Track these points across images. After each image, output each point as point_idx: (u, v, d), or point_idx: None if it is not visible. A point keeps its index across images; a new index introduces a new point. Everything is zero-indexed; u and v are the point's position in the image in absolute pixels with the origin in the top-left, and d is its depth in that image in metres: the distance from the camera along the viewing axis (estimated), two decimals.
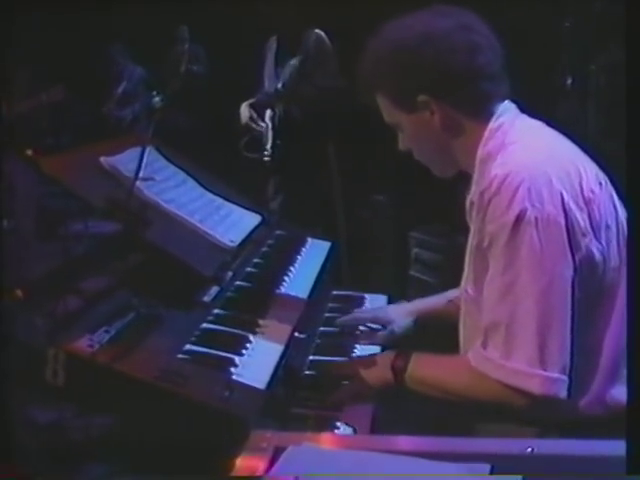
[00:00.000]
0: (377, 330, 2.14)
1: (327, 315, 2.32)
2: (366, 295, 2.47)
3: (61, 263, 1.69)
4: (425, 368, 1.76)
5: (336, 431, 1.71)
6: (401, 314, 2.16)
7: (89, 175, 1.95)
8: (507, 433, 1.64)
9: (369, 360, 1.87)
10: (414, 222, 3.56)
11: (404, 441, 1.23)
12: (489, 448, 1.20)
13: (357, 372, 1.83)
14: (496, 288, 1.62)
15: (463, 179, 1.79)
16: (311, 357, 2.07)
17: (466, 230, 1.78)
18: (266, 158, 2.57)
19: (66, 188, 1.85)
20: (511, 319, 1.59)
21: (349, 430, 1.73)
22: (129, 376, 1.53)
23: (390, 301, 2.44)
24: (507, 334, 1.60)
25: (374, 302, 2.44)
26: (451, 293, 2.10)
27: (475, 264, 1.71)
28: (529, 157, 1.65)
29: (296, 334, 2.00)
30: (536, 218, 1.58)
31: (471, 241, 1.75)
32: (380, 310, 2.25)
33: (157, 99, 2.89)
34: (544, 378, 1.58)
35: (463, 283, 1.82)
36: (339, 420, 1.76)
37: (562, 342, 1.59)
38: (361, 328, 2.16)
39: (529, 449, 1.17)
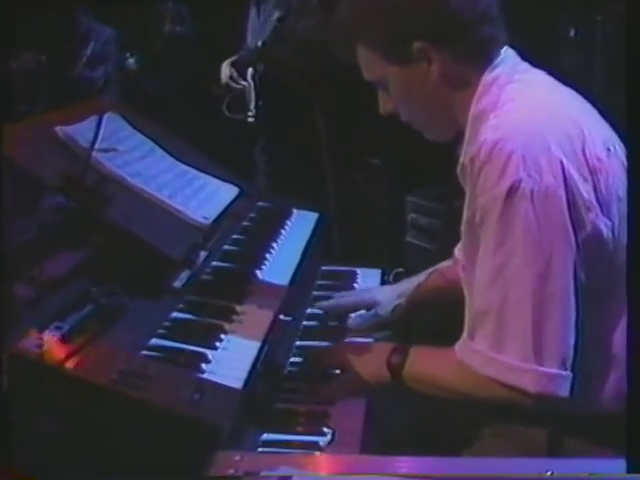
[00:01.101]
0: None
1: (315, 294, 2.18)
2: (358, 270, 2.32)
3: (6, 248, 1.50)
4: (421, 364, 1.60)
5: (321, 441, 1.54)
6: (387, 296, 1.99)
7: (41, 147, 1.77)
8: (515, 434, 1.49)
9: (362, 351, 1.71)
10: (410, 185, 3.43)
11: (398, 464, 1.05)
12: (500, 469, 1.02)
13: (349, 364, 1.67)
14: (486, 270, 1.46)
15: (458, 137, 1.62)
16: (298, 342, 1.92)
17: (465, 193, 1.61)
18: (250, 119, 2.38)
19: (15, 163, 1.65)
20: (502, 306, 1.43)
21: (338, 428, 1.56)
22: (81, 381, 1.36)
23: (384, 275, 2.31)
24: (498, 323, 1.44)
25: (367, 277, 2.29)
26: (444, 264, 1.94)
27: (466, 240, 1.55)
28: (525, 118, 1.47)
29: (281, 317, 1.85)
30: (532, 190, 1.41)
31: (465, 213, 1.59)
32: (363, 292, 2.08)
33: (131, 60, 2.71)
34: (540, 374, 1.42)
35: (461, 259, 1.68)
36: (330, 416, 1.62)
37: (562, 332, 1.42)
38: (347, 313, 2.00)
39: (549, 472, 0.99)
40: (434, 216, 3.36)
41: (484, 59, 1.55)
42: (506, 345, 1.43)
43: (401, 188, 3.45)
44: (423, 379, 1.60)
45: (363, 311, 2.01)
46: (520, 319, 1.42)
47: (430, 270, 2.01)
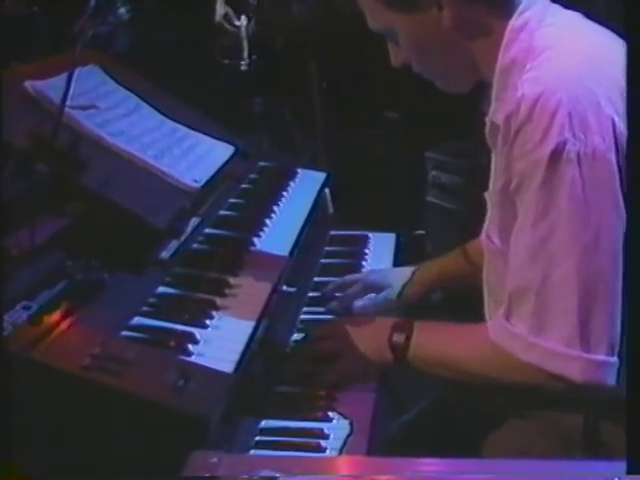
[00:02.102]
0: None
1: (324, 262, 2.11)
2: (370, 234, 2.25)
3: None
4: (432, 343, 1.53)
5: (326, 428, 1.47)
6: (399, 278, 1.91)
7: (8, 105, 1.62)
8: (545, 420, 1.41)
9: (362, 328, 1.63)
10: (429, 140, 3.38)
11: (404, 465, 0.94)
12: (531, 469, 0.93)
13: (347, 345, 1.60)
14: (526, 244, 1.37)
15: (483, 89, 1.54)
16: (303, 316, 1.86)
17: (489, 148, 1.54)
18: (243, 67, 2.26)
19: None
20: (544, 284, 1.36)
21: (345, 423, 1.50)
22: (47, 368, 1.27)
23: (399, 240, 2.24)
24: (538, 303, 1.36)
25: (380, 242, 2.23)
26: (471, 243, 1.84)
27: (501, 209, 1.46)
28: (568, 69, 1.36)
29: (283, 288, 1.78)
30: (578, 153, 1.32)
31: (494, 176, 1.50)
32: (373, 274, 1.97)
33: (122, 10, 2.59)
34: (586, 362, 1.34)
35: (486, 228, 1.58)
36: (336, 400, 1.56)
37: (610, 314, 1.33)
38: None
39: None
40: (456, 173, 3.32)
41: (505, 3, 1.45)
42: (548, 328, 1.36)
43: (420, 143, 3.39)
44: (432, 360, 1.53)
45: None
46: (564, 299, 1.35)
47: (454, 254, 1.92)
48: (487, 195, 1.60)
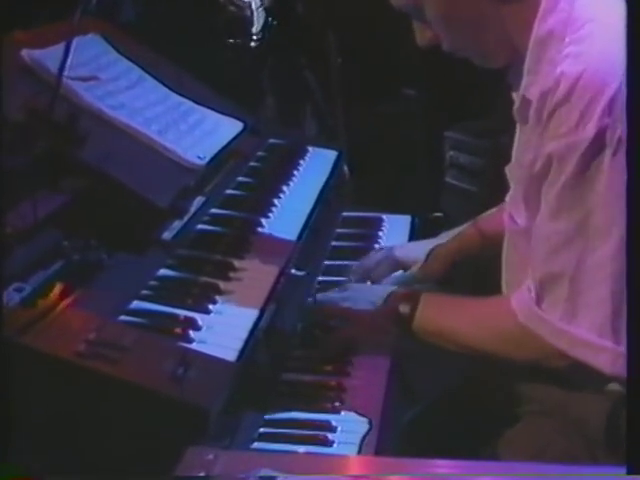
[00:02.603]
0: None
1: (335, 244, 2.08)
2: (384, 216, 2.23)
3: None
4: (438, 316, 1.55)
5: (334, 420, 1.45)
6: (417, 253, 1.89)
7: (5, 75, 1.57)
8: (565, 416, 1.39)
9: (371, 299, 1.63)
10: (449, 119, 3.36)
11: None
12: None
13: (352, 314, 1.62)
14: (560, 229, 1.36)
15: (513, 64, 1.50)
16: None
17: (513, 128, 1.54)
18: (253, 43, 2.21)
19: None
20: (578, 270, 1.35)
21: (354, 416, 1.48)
22: (39, 354, 1.24)
23: (414, 222, 2.22)
24: (571, 290, 1.36)
25: (395, 224, 2.20)
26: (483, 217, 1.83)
27: (528, 189, 1.44)
28: (610, 46, 1.31)
29: (292, 271, 1.74)
30: (618, 139, 1.29)
31: (520, 151, 1.48)
32: (398, 250, 1.94)
33: None
34: (617, 354, 1.32)
35: (508, 207, 1.56)
36: (345, 390, 1.54)
37: None
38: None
39: None
40: (476, 154, 3.29)
41: None
42: (580, 316, 1.36)
43: (439, 122, 3.37)
44: (439, 333, 1.54)
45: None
46: (598, 287, 1.34)
47: (467, 225, 1.90)
48: (508, 170, 1.57)
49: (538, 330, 1.41)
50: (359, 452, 1.39)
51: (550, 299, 1.40)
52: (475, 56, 1.51)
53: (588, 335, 1.35)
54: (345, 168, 2.27)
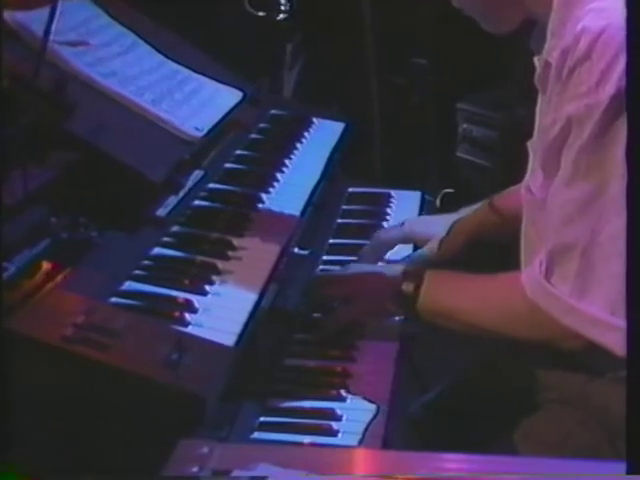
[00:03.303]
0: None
1: (340, 222, 2.07)
2: (393, 192, 2.21)
3: None
4: (443, 293, 1.54)
5: (339, 408, 1.44)
6: (433, 230, 1.85)
7: None
8: (586, 407, 1.38)
9: (370, 276, 1.63)
10: (462, 90, 3.36)
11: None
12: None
13: (354, 292, 1.61)
14: (573, 196, 1.33)
15: (527, 30, 1.49)
16: None
17: (531, 99, 1.53)
18: (282, 15, 2.16)
19: None
20: (591, 242, 1.32)
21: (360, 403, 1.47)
22: (24, 339, 1.21)
23: (424, 199, 2.20)
24: (583, 263, 1.33)
25: (403, 201, 2.19)
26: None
27: (545, 155, 1.41)
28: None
29: (295, 250, 1.74)
30: None
31: (540, 119, 1.46)
32: (416, 225, 1.91)
33: None
34: None
35: (526, 179, 1.54)
36: (351, 375, 1.53)
37: None
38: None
39: None
40: (491, 126, 3.29)
41: None
42: (592, 291, 1.34)
43: (451, 93, 3.36)
44: (444, 312, 1.53)
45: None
46: (612, 261, 1.31)
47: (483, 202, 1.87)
48: (530, 144, 1.54)
49: (547, 306, 1.38)
50: (364, 442, 1.37)
51: (560, 273, 1.37)
52: (484, 17, 1.49)
53: (599, 313, 1.33)
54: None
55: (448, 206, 3.27)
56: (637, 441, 1.08)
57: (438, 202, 3.11)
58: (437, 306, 1.54)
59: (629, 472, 1.04)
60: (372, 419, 1.43)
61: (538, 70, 1.46)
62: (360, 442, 1.37)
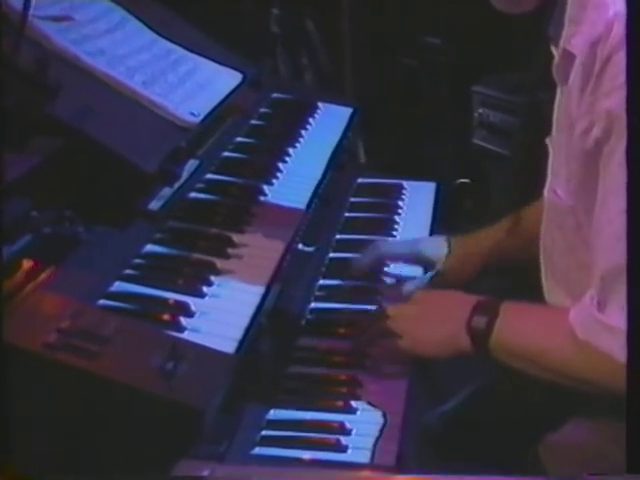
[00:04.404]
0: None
1: (348, 215, 2.07)
2: (405, 183, 2.22)
3: None
4: (520, 330, 1.48)
5: (348, 421, 1.43)
6: (454, 250, 1.82)
7: None
8: (618, 425, 1.33)
9: (428, 306, 1.58)
10: (477, 72, 3.36)
11: None
12: None
13: (409, 327, 1.55)
14: (621, 211, 1.28)
15: (548, 8, 1.48)
16: (322, 281, 1.83)
17: (554, 81, 1.52)
18: None
19: None
20: None
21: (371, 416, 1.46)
22: (5, 345, 1.20)
23: (439, 190, 2.21)
24: None
25: (417, 192, 2.20)
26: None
27: (575, 160, 1.40)
28: None
29: (299, 247, 1.76)
30: None
31: (560, 118, 1.45)
32: (413, 244, 1.88)
33: None
34: None
35: (550, 179, 1.53)
36: (362, 385, 1.52)
37: None
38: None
39: None
40: (509, 111, 3.27)
41: None
42: None
43: (466, 75, 3.36)
44: (520, 352, 1.46)
45: None
46: None
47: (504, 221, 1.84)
48: (549, 141, 1.53)
49: (600, 342, 1.34)
50: (376, 459, 1.36)
51: (616, 300, 1.33)
52: None
53: None
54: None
55: (464, 197, 3.32)
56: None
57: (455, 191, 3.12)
58: (511, 344, 1.49)
59: (629, 472, 1.08)
60: (384, 433, 1.41)
61: (556, 60, 1.45)
62: (371, 459, 1.36)
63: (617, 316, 1.32)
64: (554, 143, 1.51)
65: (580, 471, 1.43)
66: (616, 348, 1.32)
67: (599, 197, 1.35)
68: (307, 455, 1.37)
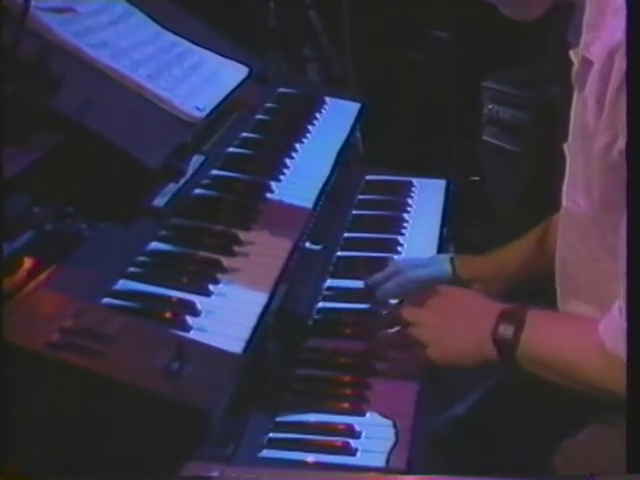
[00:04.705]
0: None
1: (355, 213, 2.08)
2: (414, 180, 2.22)
3: None
4: (548, 339, 1.47)
5: (357, 424, 1.43)
6: (476, 270, 1.81)
7: None
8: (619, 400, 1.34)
9: (452, 313, 1.56)
10: (488, 66, 3.35)
11: None
12: None
13: (431, 335, 1.53)
14: None
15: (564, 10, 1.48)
16: (330, 281, 1.84)
17: (568, 76, 1.49)
18: None
19: None
20: None
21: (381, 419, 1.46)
22: (7, 345, 1.19)
23: (449, 188, 2.21)
24: None
25: (427, 190, 2.20)
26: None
27: (597, 172, 1.39)
28: None
29: (306, 245, 1.76)
30: None
31: (577, 124, 1.43)
32: (438, 262, 1.86)
33: None
34: None
35: (567, 187, 1.52)
36: (372, 388, 1.52)
37: None
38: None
39: None
40: (520, 107, 3.28)
41: None
42: None
43: (475, 70, 3.36)
44: (548, 362, 1.45)
45: None
46: None
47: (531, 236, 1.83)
48: (566, 148, 1.52)
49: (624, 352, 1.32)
50: (386, 463, 1.36)
51: None
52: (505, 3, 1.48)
53: None
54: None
55: (475, 195, 3.31)
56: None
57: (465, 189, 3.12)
58: (539, 354, 1.48)
59: (629, 471, 1.09)
60: (395, 436, 1.41)
61: (576, 66, 1.43)
62: (382, 463, 1.36)
63: None
64: (571, 149, 1.50)
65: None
66: None
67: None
68: (315, 458, 1.37)
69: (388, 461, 1.37)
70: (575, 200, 1.48)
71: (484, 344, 1.48)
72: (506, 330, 1.48)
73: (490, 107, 3.38)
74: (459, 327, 1.52)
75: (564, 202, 1.53)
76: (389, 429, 1.43)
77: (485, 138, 3.40)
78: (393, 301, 1.75)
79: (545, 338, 1.47)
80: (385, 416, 1.46)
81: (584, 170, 1.43)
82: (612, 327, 1.38)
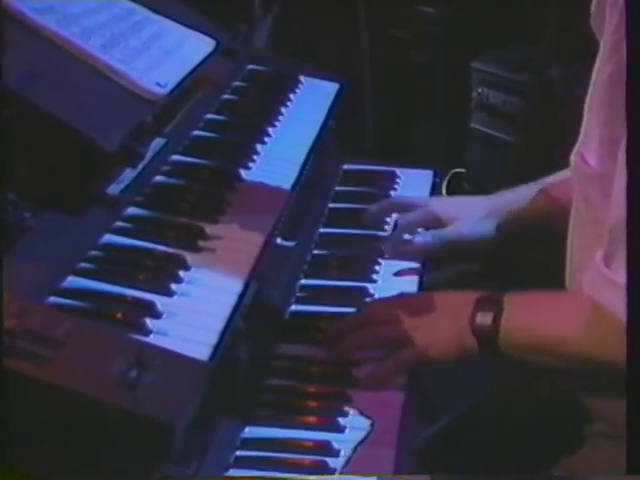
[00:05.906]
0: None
1: (332, 206, 2.11)
2: (398, 170, 2.24)
3: None
4: (529, 322, 1.52)
5: (335, 441, 1.44)
6: (471, 210, 1.88)
7: None
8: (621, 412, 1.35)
9: (426, 307, 1.60)
10: (477, 46, 3.38)
11: None
12: None
13: (407, 332, 1.56)
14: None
15: None
16: (304, 281, 1.86)
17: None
18: None
19: None
20: None
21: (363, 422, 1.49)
22: None
23: (436, 179, 2.24)
24: None
25: (411, 181, 2.23)
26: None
27: (604, 113, 1.42)
28: None
29: (278, 241, 1.77)
30: None
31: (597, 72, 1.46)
32: (439, 201, 1.95)
33: None
34: None
35: (579, 144, 1.54)
36: (350, 399, 1.54)
37: None
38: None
39: None
40: (513, 91, 3.31)
41: None
42: None
43: (464, 50, 3.39)
44: (533, 345, 1.50)
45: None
46: None
47: (533, 189, 1.88)
48: (586, 106, 1.55)
49: (608, 301, 1.38)
50: None
51: (622, 255, 1.36)
52: None
53: None
54: None
55: (457, 190, 3.33)
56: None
57: (447, 182, 3.14)
58: (522, 339, 1.52)
59: (629, 472, 1.12)
60: (377, 454, 1.42)
61: (593, 7, 1.46)
62: None
63: (622, 272, 1.36)
64: (589, 104, 1.53)
65: None
66: (618, 304, 1.35)
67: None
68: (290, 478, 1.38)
69: None
70: (582, 156, 1.51)
71: (463, 335, 1.53)
72: (484, 317, 1.53)
73: (480, 91, 3.41)
74: (435, 320, 1.56)
75: (573, 158, 1.55)
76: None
77: (473, 125, 3.43)
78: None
79: (526, 320, 1.52)
80: (366, 432, 1.46)
81: (596, 119, 1.46)
82: (591, 271, 1.42)
